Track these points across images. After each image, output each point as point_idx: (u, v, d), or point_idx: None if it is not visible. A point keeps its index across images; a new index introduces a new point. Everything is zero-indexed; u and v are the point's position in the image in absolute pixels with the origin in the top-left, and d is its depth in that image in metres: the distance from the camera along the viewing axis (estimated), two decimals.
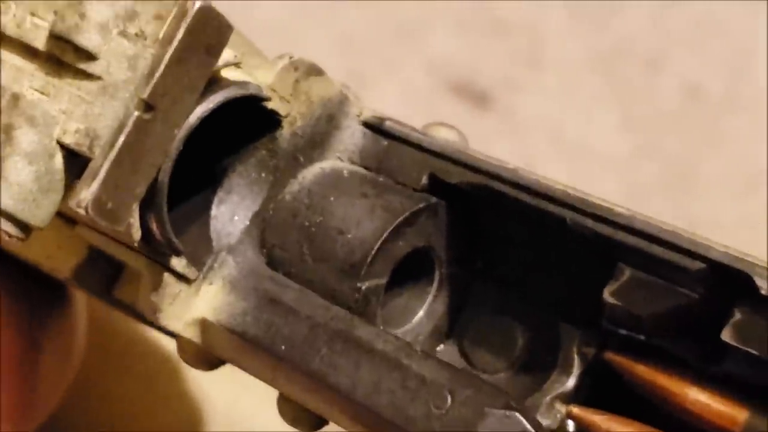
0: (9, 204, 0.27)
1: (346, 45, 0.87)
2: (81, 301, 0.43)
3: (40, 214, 0.28)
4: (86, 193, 0.27)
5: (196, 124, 0.30)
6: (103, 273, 0.34)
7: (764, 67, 0.91)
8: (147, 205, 0.30)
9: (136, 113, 0.27)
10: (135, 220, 0.29)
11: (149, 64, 0.27)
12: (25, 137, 0.27)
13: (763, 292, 0.28)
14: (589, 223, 0.31)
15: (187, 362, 0.34)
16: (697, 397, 0.30)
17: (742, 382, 0.29)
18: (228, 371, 0.52)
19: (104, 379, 0.49)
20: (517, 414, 0.28)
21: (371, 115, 0.34)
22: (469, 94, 0.90)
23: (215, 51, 0.28)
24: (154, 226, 0.30)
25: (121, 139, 0.27)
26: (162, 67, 0.27)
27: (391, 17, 0.90)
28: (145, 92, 0.27)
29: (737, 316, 0.29)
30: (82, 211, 0.27)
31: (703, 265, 0.29)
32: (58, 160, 0.27)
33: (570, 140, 0.94)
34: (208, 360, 0.34)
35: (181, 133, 0.29)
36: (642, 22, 0.97)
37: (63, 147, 0.28)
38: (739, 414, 0.30)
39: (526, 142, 0.88)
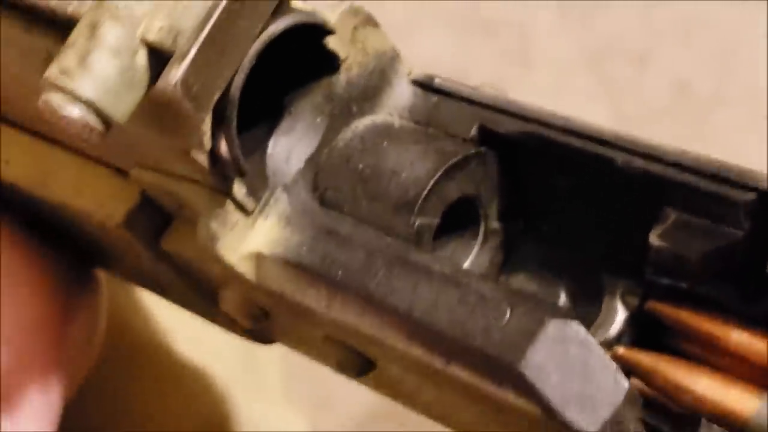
0: (93, 95, 0.27)
1: None
2: (104, 291, 0.43)
3: (122, 107, 0.28)
4: (176, 72, 0.27)
5: (269, 41, 0.30)
6: (153, 221, 0.35)
7: (751, 62, 0.93)
8: (216, 122, 0.30)
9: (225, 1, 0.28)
10: (207, 130, 0.29)
11: None
12: (110, 32, 0.27)
13: None
14: (638, 162, 0.31)
15: (229, 313, 0.34)
16: (740, 338, 0.30)
17: None
18: (242, 375, 0.52)
19: (118, 382, 0.49)
20: (576, 322, 0.28)
21: (421, 73, 0.35)
22: None
23: None
24: (221, 144, 0.30)
25: (211, 22, 0.27)
26: None
27: (379, 18, 0.90)
28: None
29: None
30: (170, 90, 0.27)
31: (752, 196, 0.29)
32: (141, 56, 0.28)
33: None
34: (252, 312, 0.34)
35: (255, 47, 0.29)
36: (630, 20, 0.98)
37: (146, 44, 0.28)
38: None
39: None
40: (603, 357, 0.28)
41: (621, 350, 0.31)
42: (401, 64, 0.34)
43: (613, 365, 0.28)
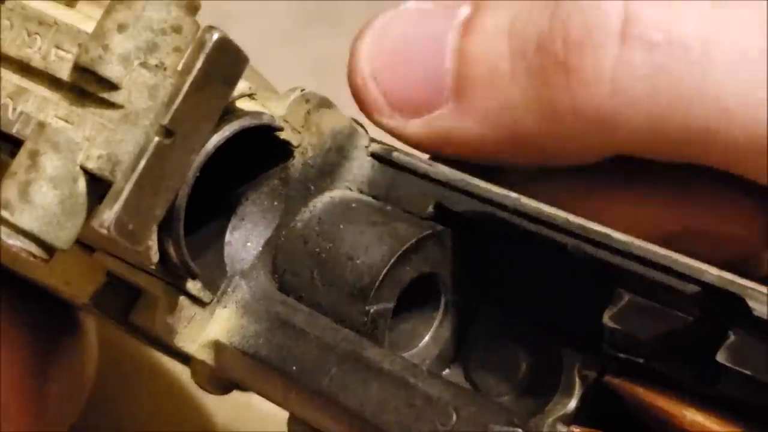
0: (34, 226, 0.28)
1: (319, 72, 0.87)
2: (91, 328, 0.44)
3: (63, 236, 0.28)
4: (109, 213, 0.28)
5: (212, 152, 0.31)
6: (121, 298, 0.35)
7: None
8: (164, 228, 0.30)
9: (157, 139, 0.28)
10: (153, 243, 0.30)
11: (169, 93, 0.28)
12: (50, 162, 0.28)
13: (755, 313, 0.29)
14: (588, 248, 0.32)
15: (199, 385, 0.35)
16: (695, 418, 0.31)
17: (737, 402, 0.30)
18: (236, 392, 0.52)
19: (114, 397, 0.49)
20: (520, 430, 0.29)
21: (380, 147, 0.35)
22: None
23: (232, 81, 0.29)
24: (171, 250, 0.31)
25: (142, 163, 0.28)
26: (182, 95, 0.28)
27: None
28: (165, 119, 0.28)
29: (732, 338, 0.29)
30: (104, 231, 0.28)
31: (697, 288, 0.30)
32: (81, 184, 0.28)
33: None
34: (221, 384, 0.34)
35: (198, 160, 0.30)
36: None
37: (86, 172, 0.28)
38: None
39: None
40: None
41: (577, 430, 0.32)
42: (360, 138, 0.35)
43: None
